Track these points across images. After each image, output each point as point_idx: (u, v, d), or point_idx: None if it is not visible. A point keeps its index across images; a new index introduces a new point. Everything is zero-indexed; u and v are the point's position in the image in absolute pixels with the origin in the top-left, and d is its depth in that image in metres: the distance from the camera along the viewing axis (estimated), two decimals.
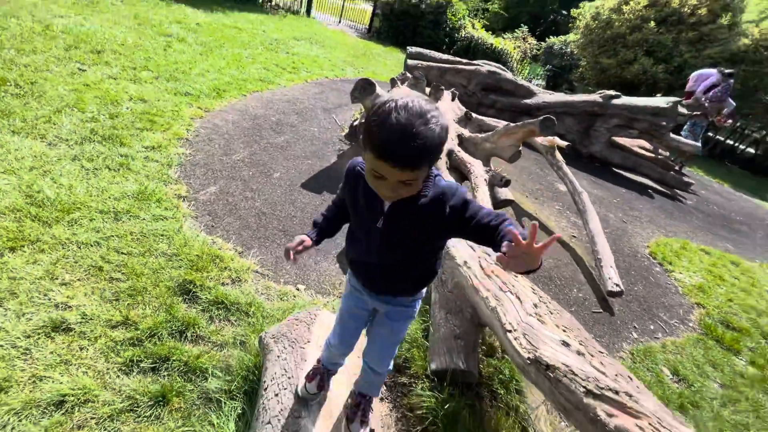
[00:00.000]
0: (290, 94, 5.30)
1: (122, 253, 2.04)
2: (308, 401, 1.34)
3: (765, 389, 2.61)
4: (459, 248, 1.95)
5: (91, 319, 1.67)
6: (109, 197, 2.37)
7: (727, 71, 7.63)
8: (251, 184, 3.04)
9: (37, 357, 1.49)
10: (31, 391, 1.39)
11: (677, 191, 7.10)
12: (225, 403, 1.48)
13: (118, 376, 1.51)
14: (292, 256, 1.13)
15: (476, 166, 3.31)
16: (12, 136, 2.63)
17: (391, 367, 1.38)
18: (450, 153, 3.52)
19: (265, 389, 1.34)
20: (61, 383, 1.42)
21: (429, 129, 0.81)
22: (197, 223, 2.46)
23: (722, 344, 2.96)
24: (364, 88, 3.26)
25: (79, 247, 1.99)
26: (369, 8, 15.88)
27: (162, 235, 2.23)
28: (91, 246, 2.02)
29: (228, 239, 2.41)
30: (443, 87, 4.84)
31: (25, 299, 1.67)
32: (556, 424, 1.82)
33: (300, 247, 1.14)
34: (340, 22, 14.98)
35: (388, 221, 1.01)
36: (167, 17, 6.88)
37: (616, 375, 1.02)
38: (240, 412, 1.46)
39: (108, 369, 1.52)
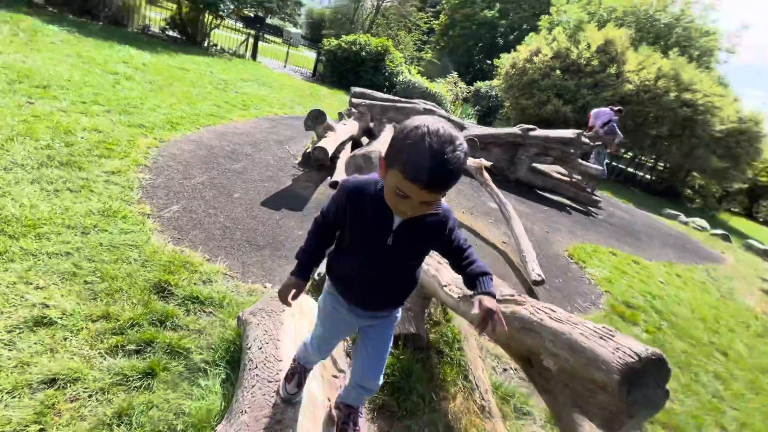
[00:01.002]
0: (243, 128, 5.59)
1: (94, 260, 2.16)
2: (291, 401, 1.37)
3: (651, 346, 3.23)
4: None
5: (71, 315, 1.79)
6: (75, 214, 2.48)
7: (617, 108, 9.26)
8: (213, 203, 3.25)
9: (22, 347, 1.59)
10: (20, 374, 1.49)
11: (590, 208, 8.26)
12: (209, 370, 1.67)
13: (105, 359, 1.65)
14: (289, 301, 1.19)
15: None
16: None
17: (381, 381, 1.35)
18: None
19: (249, 348, 1.57)
20: (49, 367, 1.54)
21: (456, 156, 0.86)
22: (164, 236, 2.62)
23: (624, 318, 3.60)
24: (316, 117, 3.69)
25: (50, 257, 2.09)
26: (312, 55, 16.90)
27: (132, 245, 2.38)
28: (62, 255, 2.13)
29: (195, 249, 2.60)
30: (385, 121, 5.45)
31: (1, 300, 1.76)
32: (488, 369, 2.20)
33: (294, 296, 1.20)
34: (285, 66, 15.71)
35: (397, 238, 1.05)
36: (112, 57, 6.96)
37: (514, 292, 1.45)
38: (224, 377, 1.66)
39: (94, 354, 1.65)
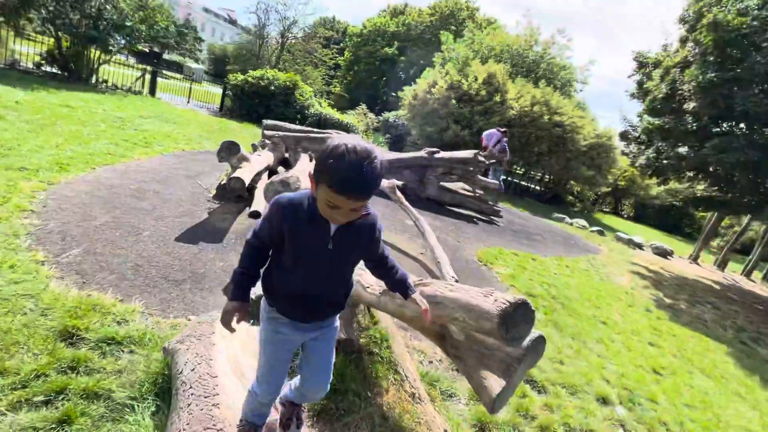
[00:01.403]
0: (147, 166, 5.27)
1: None
2: None
3: (553, 328, 3.79)
4: None
5: None
6: None
7: (502, 129, 10.73)
8: (120, 243, 3.05)
9: None
10: None
11: (492, 218, 9.30)
12: (137, 405, 1.61)
13: (6, 416, 1.49)
14: (233, 327, 1.22)
15: None
16: None
17: (326, 391, 1.41)
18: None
19: (180, 372, 1.57)
20: None
21: (374, 167, 0.99)
22: (65, 282, 2.40)
23: None
24: (229, 149, 3.72)
25: None
26: (218, 90, 16.46)
27: (25, 295, 2.15)
28: None
29: (105, 291, 2.43)
30: (300, 150, 5.62)
31: None
32: (415, 362, 2.42)
33: (238, 320, 1.23)
34: (188, 101, 15.04)
35: (336, 242, 1.15)
36: None
37: (421, 277, 1.71)
38: (154, 409, 1.62)
39: None
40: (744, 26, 5.44)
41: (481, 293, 1.42)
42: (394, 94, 24.58)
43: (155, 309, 2.40)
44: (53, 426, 1.48)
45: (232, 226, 4.00)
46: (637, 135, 9.35)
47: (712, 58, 5.92)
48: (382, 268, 1.38)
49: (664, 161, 8.23)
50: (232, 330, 1.22)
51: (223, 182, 4.53)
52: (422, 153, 8.71)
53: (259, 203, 4.00)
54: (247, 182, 3.97)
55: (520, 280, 5.01)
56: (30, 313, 2.03)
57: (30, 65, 11.03)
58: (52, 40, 11.11)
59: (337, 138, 1.03)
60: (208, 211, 4.25)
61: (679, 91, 6.86)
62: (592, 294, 5.40)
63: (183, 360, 1.62)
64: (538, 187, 20.79)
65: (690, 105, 6.55)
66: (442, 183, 8.98)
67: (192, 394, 1.44)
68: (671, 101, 7.21)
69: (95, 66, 11.62)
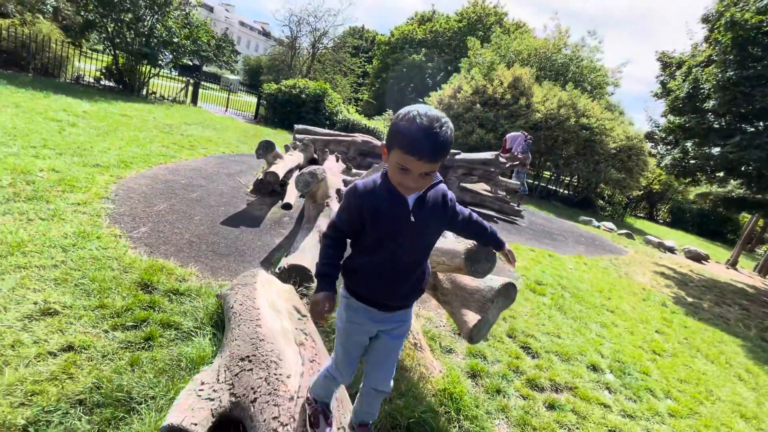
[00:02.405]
0: (193, 165, 5.98)
1: (80, 270, 2.51)
2: None
3: (557, 311, 4.06)
4: None
5: (71, 306, 2.15)
6: (53, 237, 2.79)
7: (525, 133, 10.91)
8: (177, 224, 3.64)
9: (35, 330, 1.94)
10: (39, 347, 1.84)
11: (513, 218, 9.48)
12: (198, 332, 2.11)
13: (108, 333, 2.03)
14: (325, 317, 1.26)
15: None
16: None
17: (392, 385, 1.40)
18: (338, 191, 4.65)
19: (231, 307, 2.05)
20: (63, 340, 1.90)
21: (444, 130, 1.03)
22: (137, 251, 2.99)
23: (534, 292, 4.44)
24: (266, 147, 4.28)
25: (40, 269, 2.41)
26: (252, 99, 17.55)
27: (111, 258, 2.74)
28: (51, 268, 2.45)
29: (168, 258, 2.99)
30: (327, 150, 6.15)
31: (4, 302, 2.08)
32: (421, 324, 2.81)
33: (329, 309, 1.24)
34: (226, 110, 16.15)
35: (416, 213, 1.17)
36: (50, 106, 7.06)
37: None
38: (211, 336, 2.11)
39: (98, 331, 2.03)
40: (764, 24, 5.44)
41: (455, 241, 1.81)
42: (420, 99, 25.03)
43: (207, 273, 2.93)
44: (141, 341, 2.00)
45: (267, 215, 4.55)
46: (663, 136, 9.25)
47: (731, 57, 5.92)
48: (472, 229, 1.43)
49: (691, 161, 8.14)
50: (323, 320, 1.39)
51: (259, 178, 5.12)
52: None
53: (291, 196, 4.52)
54: (280, 176, 4.52)
55: (531, 271, 5.26)
56: (116, 270, 2.60)
57: (91, 80, 12.35)
58: (110, 57, 12.40)
59: (409, 107, 1.08)
60: (246, 202, 4.83)
61: (701, 90, 6.84)
62: (604, 287, 5.55)
63: (233, 300, 2.11)
64: (566, 191, 20.52)
65: (710, 103, 6.53)
66: (462, 183, 9.28)
67: (241, 319, 1.91)
68: (693, 100, 7.20)
69: (146, 79, 12.83)
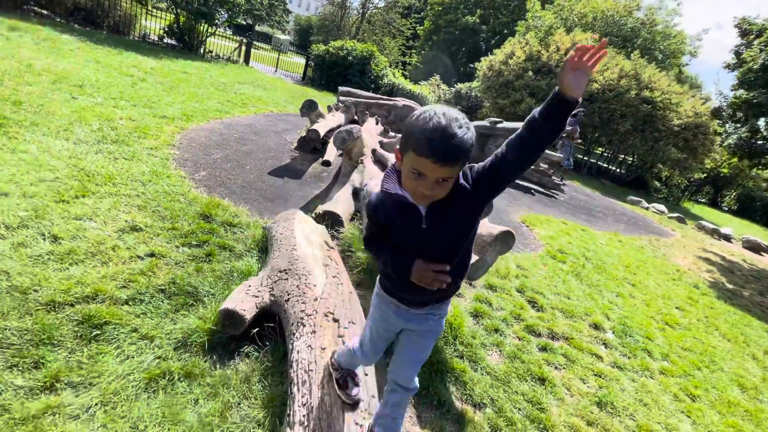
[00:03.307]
0: (245, 122, 6.50)
1: (157, 200, 3.06)
2: (359, 402, 1.45)
3: (573, 277, 4.21)
4: None
5: (151, 226, 2.69)
6: (134, 173, 3.37)
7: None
8: (230, 171, 4.16)
9: (126, 240, 2.49)
10: (131, 251, 2.39)
11: (552, 191, 9.32)
12: (248, 253, 2.59)
13: (179, 248, 2.56)
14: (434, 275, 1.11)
15: (390, 158, 4.78)
16: (45, 137, 3.53)
17: (417, 384, 1.36)
18: (374, 151, 4.96)
19: (273, 236, 2.49)
20: (147, 249, 2.44)
21: (462, 131, 0.92)
22: (199, 190, 3.53)
23: (554, 258, 4.59)
24: (310, 106, 4.63)
25: (126, 197, 2.98)
26: (302, 60, 17.87)
27: (178, 193, 3.28)
28: (134, 196, 3.02)
29: (223, 198, 3.51)
30: (368, 113, 6.41)
31: (103, 218, 2.65)
32: None
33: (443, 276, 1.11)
34: (276, 71, 16.64)
35: (430, 219, 1.08)
36: (123, 62, 7.82)
37: None
38: (257, 258, 2.59)
39: (171, 246, 2.56)
40: None
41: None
42: (471, 65, 24.11)
43: (255, 213, 3.42)
44: (203, 257, 2.51)
45: (308, 169, 4.99)
46: (731, 112, 8.48)
47: None
48: (514, 150, 1.03)
49: (759, 141, 7.50)
50: (443, 280, 1.10)
51: (302, 135, 5.52)
52: (485, 122, 8.99)
53: (331, 154, 4.89)
54: (321, 134, 4.89)
55: (557, 240, 5.36)
56: (183, 203, 3.14)
57: (155, 38, 13.20)
58: (172, 16, 13.13)
59: (425, 107, 0.99)
60: (290, 157, 5.29)
61: None
62: (632, 263, 5.54)
63: (275, 230, 2.55)
64: (618, 170, 19.35)
65: None
66: None
67: (281, 244, 2.35)
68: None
69: (204, 38, 13.49)
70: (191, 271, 2.34)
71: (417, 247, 1.13)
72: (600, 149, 18.52)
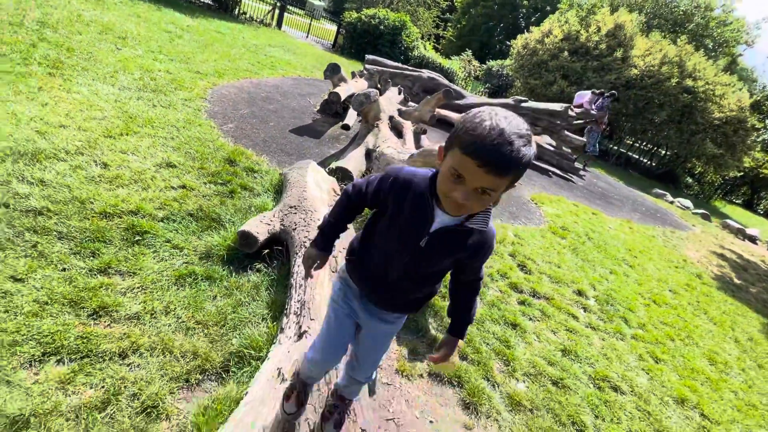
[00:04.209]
0: (272, 83, 6.78)
1: (189, 143, 3.42)
2: (292, 420, 1.30)
3: (569, 251, 4.40)
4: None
5: (183, 164, 3.06)
6: (170, 119, 3.74)
7: (598, 91, 10.13)
8: (255, 126, 4.49)
9: (163, 173, 2.87)
10: (166, 182, 2.76)
11: (570, 175, 9.27)
12: (265, 194, 2.94)
13: (206, 184, 2.92)
14: (312, 273, 1.20)
15: (407, 125, 4.98)
16: (95, 81, 3.92)
17: (374, 375, 1.36)
18: (391, 117, 5.17)
19: (288, 180, 2.82)
20: (179, 182, 2.81)
21: (523, 142, 0.81)
22: (226, 139, 3.87)
23: (555, 233, 4.77)
24: (333, 69, 4.85)
25: (163, 139, 3.36)
26: (333, 27, 17.79)
27: (208, 140, 3.64)
28: (170, 139, 3.39)
29: (247, 148, 3.85)
30: (390, 81, 6.55)
31: (144, 153, 3.03)
32: None
33: (318, 267, 1.19)
34: (307, 36, 16.68)
35: (431, 242, 0.99)
36: (162, 18, 8.15)
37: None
38: (273, 197, 2.92)
39: (200, 182, 2.92)
40: None
41: None
42: (508, 42, 23.29)
43: (274, 163, 3.75)
44: (226, 193, 2.87)
45: (328, 131, 5.26)
46: None
47: None
48: (465, 291, 1.14)
49: None
50: (310, 275, 1.16)
51: (325, 99, 5.77)
52: (509, 100, 8.93)
53: (350, 119, 5.14)
54: (342, 97, 5.12)
55: (563, 218, 5.49)
56: (211, 148, 3.50)
57: None
58: None
59: (490, 107, 0.87)
60: (312, 119, 5.56)
61: None
62: (636, 247, 5.62)
63: (290, 175, 2.88)
64: (648, 161, 18.66)
65: None
66: None
67: (294, 186, 2.67)
68: None
69: None
70: (216, 202, 2.70)
71: (399, 255, 1.04)
72: (631, 139, 17.85)
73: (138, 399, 1.40)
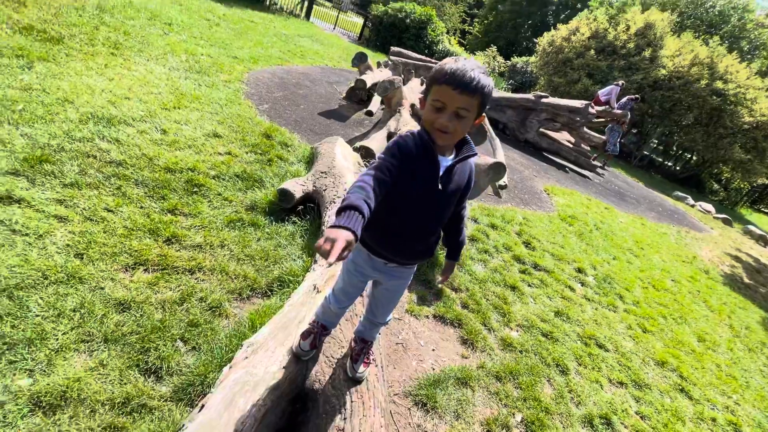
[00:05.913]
0: (302, 71, 7.18)
1: (231, 118, 3.85)
2: (302, 357, 1.46)
3: (575, 236, 4.64)
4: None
5: (227, 137, 3.48)
6: (214, 98, 4.18)
7: (633, 96, 10.22)
8: (287, 108, 4.90)
9: (211, 142, 3.29)
10: (214, 149, 3.19)
11: (587, 172, 9.37)
12: (297, 164, 3.33)
13: (246, 153, 3.33)
14: (342, 255, 0.86)
15: None
16: (149, 62, 4.39)
17: (390, 317, 1.53)
18: (413, 105, 5.48)
19: (318, 153, 3.20)
20: (224, 149, 3.23)
21: (482, 72, 1.06)
22: (262, 117, 4.29)
23: (563, 220, 5.01)
24: (360, 57, 5.20)
25: (209, 114, 3.79)
26: (360, 20, 18.12)
27: (247, 117, 4.06)
28: (214, 114, 3.82)
29: (280, 126, 4.25)
30: (413, 72, 6.85)
31: (194, 125, 3.46)
32: None
33: (345, 255, 0.86)
34: (334, 28, 17.06)
35: (444, 183, 1.18)
36: (201, 7, 8.66)
37: None
38: (305, 167, 3.32)
39: (241, 152, 3.34)
40: None
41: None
42: (534, 40, 23.07)
43: (304, 141, 4.15)
44: (265, 161, 3.28)
45: (353, 116, 5.63)
46: None
47: None
48: (455, 220, 1.37)
49: None
50: (329, 257, 0.83)
51: (351, 86, 6.13)
52: (530, 95, 9.08)
53: (374, 105, 5.48)
54: (368, 85, 5.47)
55: (573, 208, 5.71)
56: (250, 124, 3.91)
57: None
58: None
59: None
60: (338, 105, 5.94)
61: None
62: (645, 241, 5.79)
63: (320, 148, 3.26)
64: (674, 165, 18.29)
65: None
66: (542, 129, 9.29)
67: (323, 156, 3.05)
68: None
69: None
70: (257, 168, 3.11)
71: (425, 204, 1.19)
72: (655, 141, 17.55)
73: (205, 301, 1.81)
